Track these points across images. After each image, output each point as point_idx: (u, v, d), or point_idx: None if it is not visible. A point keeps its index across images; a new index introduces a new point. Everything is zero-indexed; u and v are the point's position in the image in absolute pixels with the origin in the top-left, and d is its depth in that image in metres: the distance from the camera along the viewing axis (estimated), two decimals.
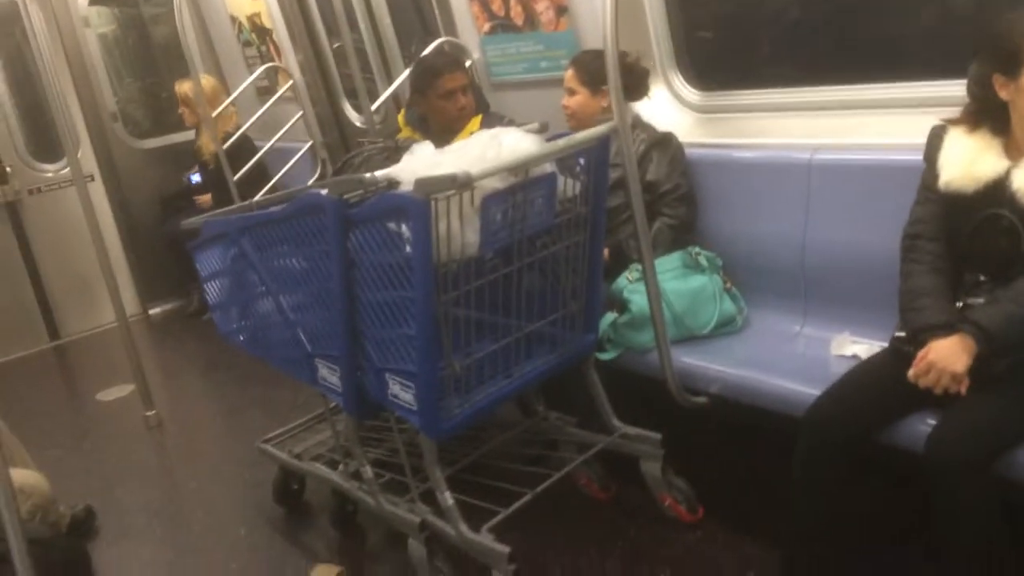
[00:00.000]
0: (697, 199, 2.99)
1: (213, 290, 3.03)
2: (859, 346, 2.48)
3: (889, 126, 2.62)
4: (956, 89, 2.19)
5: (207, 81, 5.35)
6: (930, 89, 2.56)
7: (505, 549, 2.24)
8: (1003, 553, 1.84)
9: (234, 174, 4.86)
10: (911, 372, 1.99)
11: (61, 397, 5.13)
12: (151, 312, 6.08)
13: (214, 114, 5.07)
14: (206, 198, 5.56)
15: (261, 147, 5.34)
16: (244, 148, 5.23)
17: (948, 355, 1.94)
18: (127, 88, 6.27)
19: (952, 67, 2.33)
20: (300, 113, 5.39)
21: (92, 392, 4.78)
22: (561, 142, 2.41)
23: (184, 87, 5.34)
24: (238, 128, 5.33)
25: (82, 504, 3.28)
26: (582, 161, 2.48)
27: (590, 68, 3.01)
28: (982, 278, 2.07)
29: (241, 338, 2.96)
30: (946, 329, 1.99)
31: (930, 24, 2.77)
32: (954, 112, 2.14)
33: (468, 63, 3.74)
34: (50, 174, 5.75)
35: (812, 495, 2.13)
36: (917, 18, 2.79)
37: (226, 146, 4.94)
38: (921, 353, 1.98)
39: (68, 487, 3.46)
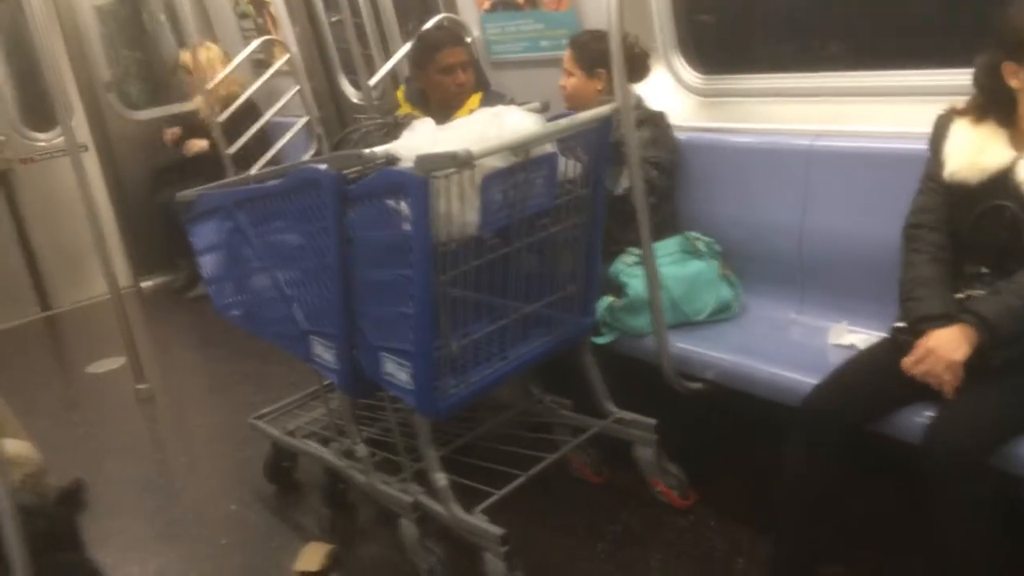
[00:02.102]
0: (676, 175, 2.97)
1: (208, 264, 3.00)
2: (856, 336, 2.47)
3: (892, 114, 2.60)
4: (960, 78, 2.17)
5: (211, 50, 5.35)
6: (934, 77, 2.54)
7: (498, 531, 2.24)
8: (1000, 546, 1.84)
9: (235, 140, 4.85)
10: (907, 359, 1.99)
11: (51, 368, 5.10)
12: (143, 285, 6.04)
13: (211, 84, 5.04)
14: (200, 143, 5.50)
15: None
16: (248, 115, 5.19)
17: (948, 344, 1.94)
18: (122, 59, 6.19)
19: (957, 55, 2.32)
20: (296, 88, 5.34)
21: (83, 364, 4.75)
22: (563, 122, 2.38)
23: (187, 56, 5.35)
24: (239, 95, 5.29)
25: (72, 477, 3.26)
26: (583, 142, 2.46)
27: (587, 50, 2.99)
28: (983, 270, 2.06)
29: (236, 313, 2.94)
30: (946, 319, 1.98)
31: (935, 11, 2.75)
32: (959, 100, 2.12)
33: (469, 40, 3.70)
34: (43, 143, 5.69)
35: (805, 484, 2.12)
36: (922, 5, 2.77)
37: (228, 114, 4.95)
38: (921, 341, 1.97)
39: (57, 459, 3.43)
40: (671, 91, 3.25)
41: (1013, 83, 1.96)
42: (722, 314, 2.79)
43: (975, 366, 1.93)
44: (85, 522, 2.95)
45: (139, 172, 5.96)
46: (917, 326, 2.02)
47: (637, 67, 2.96)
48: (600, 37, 2.93)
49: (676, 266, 2.76)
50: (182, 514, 3.14)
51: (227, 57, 5.34)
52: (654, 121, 2.96)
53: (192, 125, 5.55)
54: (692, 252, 2.81)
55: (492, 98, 3.17)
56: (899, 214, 2.22)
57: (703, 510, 2.62)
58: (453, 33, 3.41)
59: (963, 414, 1.89)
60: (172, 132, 5.63)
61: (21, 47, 5.58)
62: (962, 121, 2.07)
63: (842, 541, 2.29)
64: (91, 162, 5.62)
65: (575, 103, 2.97)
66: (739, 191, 2.92)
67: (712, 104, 3.20)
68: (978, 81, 2.05)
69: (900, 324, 2.11)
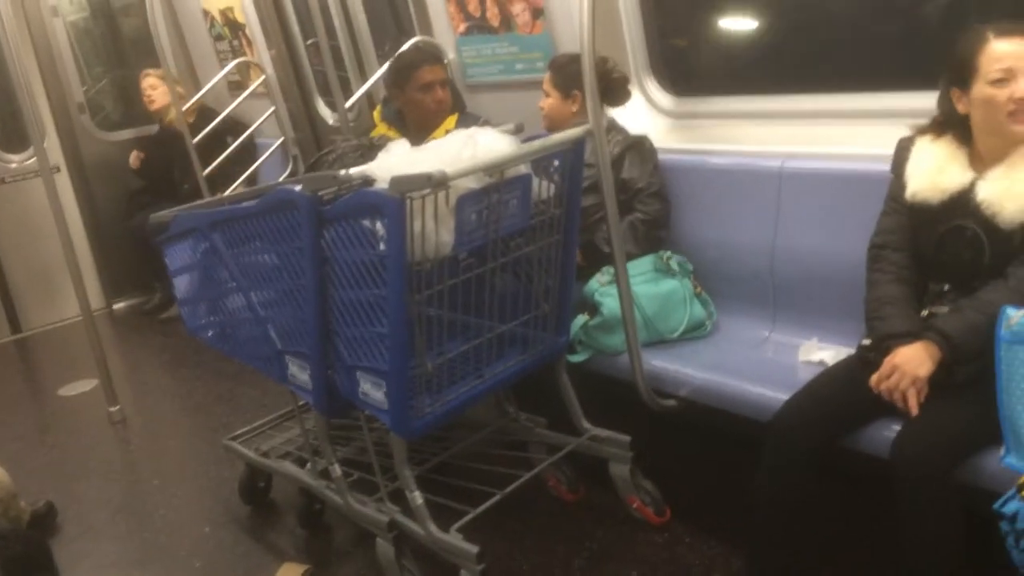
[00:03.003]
0: (670, 198, 3.01)
1: (182, 285, 3.00)
2: (826, 352, 2.51)
3: (859, 136, 2.66)
4: (926, 101, 2.24)
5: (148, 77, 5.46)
6: (900, 100, 2.61)
7: (474, 548, 2.24)
8: (963, 557, 1.87)
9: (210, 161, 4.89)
10: (874, 376, 2.03)
11: (22, 391, 5.04)
12: (115, 307, 6.01)
13: (186, 106, 5.07)
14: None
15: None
16: (225, 136, 5.23)
17: (912, 360, 1.98)
18: (96, 79, 6.17)
19: (922, 79, 2.38)
20: (272, 109, 5.36)
21: (54, 387, 4.70)
22: (536, 143, 2.42)
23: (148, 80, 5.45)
24: (201, 113, 5.32)
25: (43, 500, 3.23)
26: (556, 163, 2.50)
27: (564, 72, 3.03)
28: (946, 288, 2.11)
29: (209, 334, 2.94)
30: (910, 337, 2.03)
31: (901, 36, 2.82)
32: (921, 122, 2.18)
33: (445, 60, 3.73)
34: (14, 164, 5.66)
35: (777, 498, 2.15)
36: (888, 29, 2.84)
37: (202, 136, 4.96)
38: (887, 359, 2.02)
39: (29, 482, 3.42)
40: (643, 113, 3.31)
41: (960, 108, 2.04)
42: (695, 332, 2.83)
43: (939, 382, 1.97)
44: (57, 545, 2.94)
45: (112, 193, 5.94)
46: (882, 344, 2.06)
47: (616, 91, 3.01)
48: (577, 59, 2.96)
49: (649, 285, 2.80)
50: (155, 536, 3.11)
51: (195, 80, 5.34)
52: (639, 147, 2.99)
53: (160, 142, 5.55)
54: (665, 271, 2.85)
55: (468, 120, 3.20)
56: (867, 233, 2.27)
57: (678, 526, 2.64)
58: (431, 52, 3.45)
59: (927, 429, 1.93)
60: (135, 155, 5.64)
61: None
62: (923, 140, 2.14)
63: (815, 554, 2.32)
64: (63, 183, 5.60)
65: (552, 124, 3.02)
66: (711, 212, 2.97)
67: (684, 126, 3.26)
68: (940, 103, 2.12)
69: (866, 342, 2.15)
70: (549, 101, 3.09)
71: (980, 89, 1.98)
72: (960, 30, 2.07)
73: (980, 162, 2.05)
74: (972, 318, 1.97)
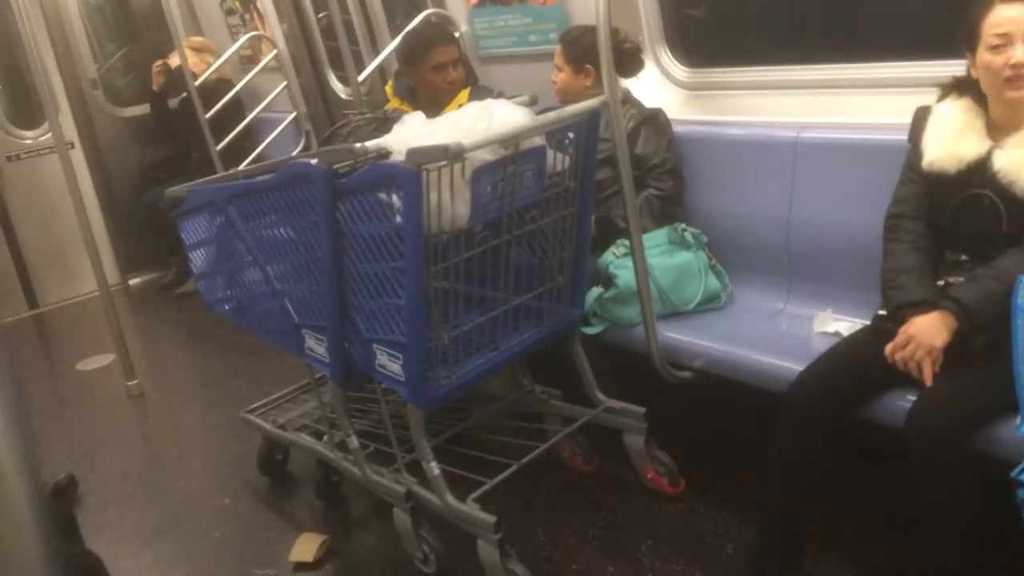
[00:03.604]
0: (684, 174, 3.00)
1: (198, 259, 3.01)
2: (841, 323, 2.51)
3: (876, 105, 2.65)
4: (943, 70, 2.22)
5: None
6: (917, 69, 2.58)
7: (491, 518, 2.26)
8: (979, 527, 1.88)
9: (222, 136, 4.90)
10: (889, 346, 2.03)
11: (40, 366, 5.08)
12: (131, 282, 6.04)
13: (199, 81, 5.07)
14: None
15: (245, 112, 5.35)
16: (235, 111, 5.23)
17: (928, 330, 1.98)
18: (108, 55, 6.17)
19: (940, 48, 2.36)
20: (284, 83, 5.35)
21: (72, 361, 4.75)
22: (552, 115, 2.41)
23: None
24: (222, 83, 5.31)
25: (64, 472, 3.28)
26: (571, 135, 2.49)
27: (575, 46, 3.02)
28: (963, 257, 2.11)
29: (226, 308, 2.96)
30: (926, 306, 2.02)
31: (918, 3, 2.79)
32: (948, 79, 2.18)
33: (457, 35, 3.72)
34: (29, 141, 5.68)
35: (791, 468, 2.16)
36: None
37: (215, 111, 4.97)
38: (902, 328, 2.02)
39: (49, 456, 3.46)
40: (658, 84, 3.29)
41: (974, 73, 2.05)
42: (710, 304, 2.83)
43: (955, 352, 1.97)
44: (79, 516, 2.97)
45: (126, 169, 5.97)
46: (898, 313, 2.06)
47: (628, 62, 3.00)
48: (588, 32, 2.95)
49: (664, 257, 2.79)
50: (175, 508, 3.15)
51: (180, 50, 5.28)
52: (654, 121, 2.97)
53: (186, 111, 5.54)
54: (680, 243, 2.84)
55: (480, 93, 3.19)
56: (884, 204, 2.26)
57: (692, 497, 2.66)
58: (444, 31, 3.43)
59: (942, 399, 1.93)
60: (158, 65, 5.54)
61: (7, 43, 5.56)
62: (942, 104, 2.14)
63: (829, 524, 2.33)
64: (78, 159, 5.61)
65: (566, 98, 3.01)
66: (726, 183, 2.96)
67: (699, 97, 3.24)
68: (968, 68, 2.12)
69: (882, 312, 2.15)
70: (561, 76, 3.07)
71: (981, 55, 1.99)
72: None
73: (997, 130, 2.04)
74: (989, 287, 1.97)
